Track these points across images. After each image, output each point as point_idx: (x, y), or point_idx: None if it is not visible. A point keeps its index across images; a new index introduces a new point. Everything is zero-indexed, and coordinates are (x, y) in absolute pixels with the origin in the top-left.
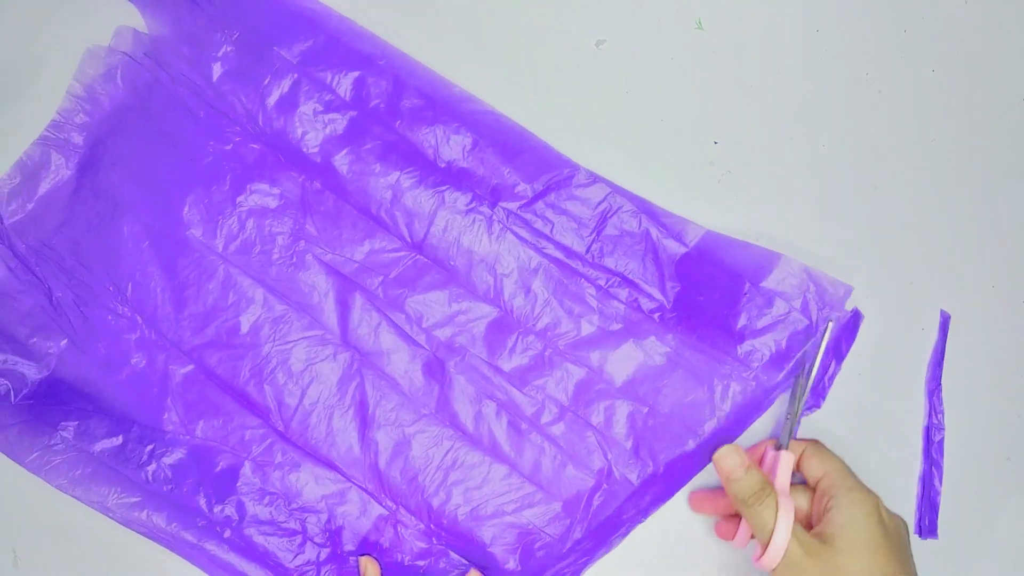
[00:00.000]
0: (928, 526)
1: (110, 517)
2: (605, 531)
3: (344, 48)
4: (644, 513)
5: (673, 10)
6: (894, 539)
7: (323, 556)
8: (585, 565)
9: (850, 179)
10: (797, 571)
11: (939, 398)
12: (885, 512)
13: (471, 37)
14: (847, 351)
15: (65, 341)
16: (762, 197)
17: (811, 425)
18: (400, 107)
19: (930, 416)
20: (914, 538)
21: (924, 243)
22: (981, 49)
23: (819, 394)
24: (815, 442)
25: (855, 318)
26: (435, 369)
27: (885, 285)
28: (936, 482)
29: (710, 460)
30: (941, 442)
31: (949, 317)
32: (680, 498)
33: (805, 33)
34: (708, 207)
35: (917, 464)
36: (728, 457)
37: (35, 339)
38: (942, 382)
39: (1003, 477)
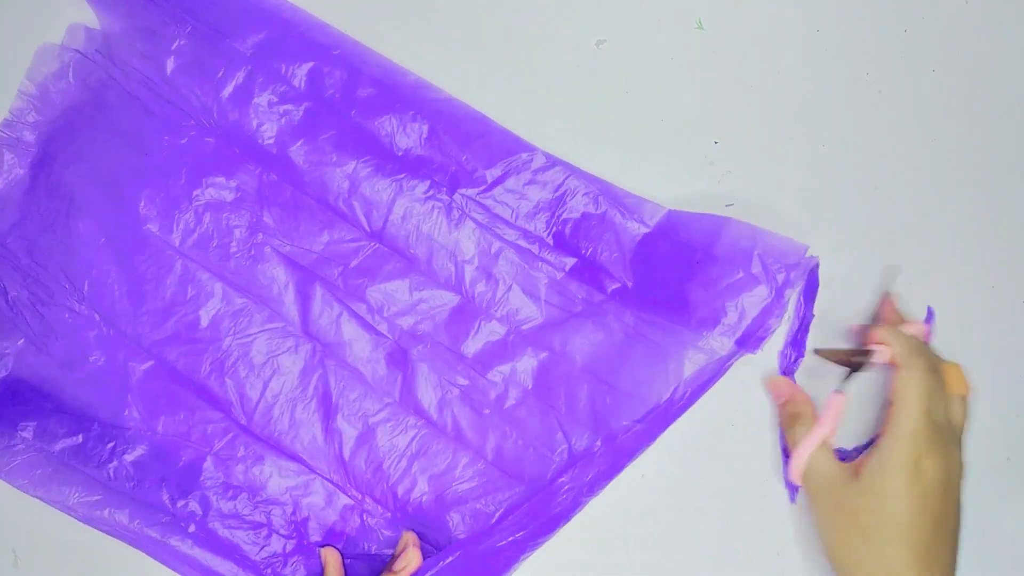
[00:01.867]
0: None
1: (73, 516)
2: (544, 508)
3: (298, 38)
4: (591, 489)
5: (673, 10)
6: (924, 488)
7: (289, 548)
8: (523, 548)
9: (850, 179)
10: (820, 487)
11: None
12: (929, 461)
13: (471, 38)
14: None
15: (22, 341)
16: (762, 197)
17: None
18: (355, 96)
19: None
20: None
21: (924, 243)
22: (981, 49)
23: (800, 344)
24: (905, 366)
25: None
26: (398, 358)
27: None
28: None
29: (660, 431)
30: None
31: (933, 312)
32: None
33: (805, 33)
34: (708, 207)
35: None
36: (775, 386)
37: None
38: None
39: (1003, 477)
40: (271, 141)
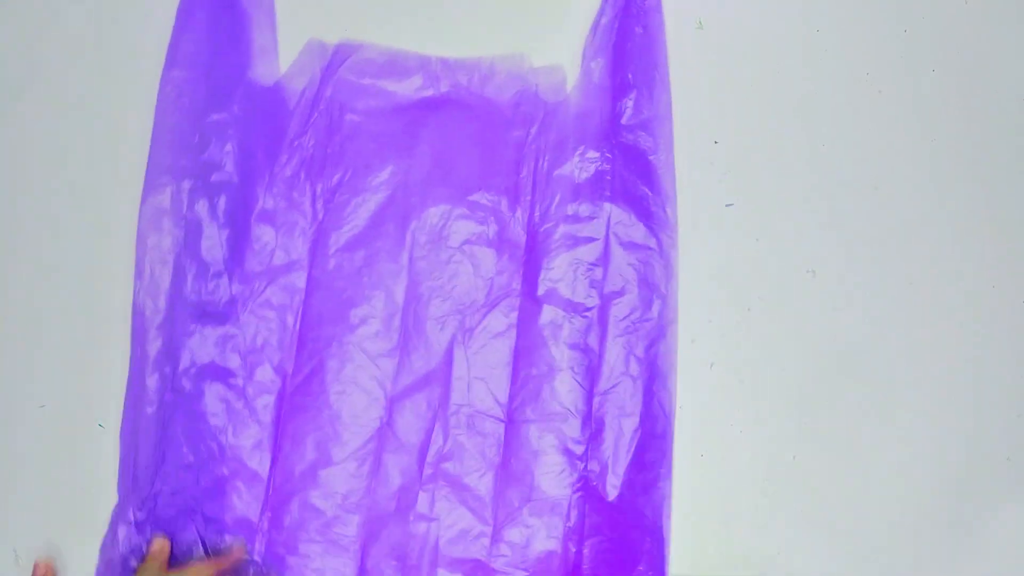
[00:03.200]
0: None
1: None
2: None
3: None
4: None
5: (673, 10)
6: None
7: None
8: None
9: (850, 179)
10: None
11: None
12: None
13: (472, 37)
14: None
15: None
16: (762, 197)
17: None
18: None
19: None
20: (907, 538)
21: (924, 243)
22: (981, 49)
23: None
24: None
25: None
26: None
27: (884, 284)
28: None
29: None
30: None
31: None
32: None
33: (805, 33)
34: (708, 206)
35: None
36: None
37: None
38: None
39: (1003, 477)
40: None
